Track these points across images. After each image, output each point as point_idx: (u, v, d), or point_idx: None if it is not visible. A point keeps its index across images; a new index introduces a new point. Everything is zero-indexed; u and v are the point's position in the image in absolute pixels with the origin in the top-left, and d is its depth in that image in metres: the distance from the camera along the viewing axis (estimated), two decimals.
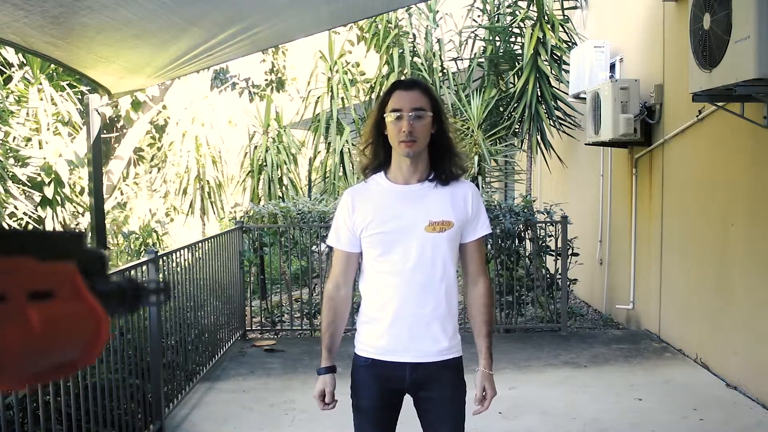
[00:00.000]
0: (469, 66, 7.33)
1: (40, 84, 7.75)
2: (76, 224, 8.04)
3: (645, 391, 4.01)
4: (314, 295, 5.82)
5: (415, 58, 7.49)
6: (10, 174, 7.21)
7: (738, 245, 4.02)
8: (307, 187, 9.40)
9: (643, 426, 3.51)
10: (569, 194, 7.00)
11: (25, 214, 7.39)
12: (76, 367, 0.45)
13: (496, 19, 7.22)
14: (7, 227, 0.44)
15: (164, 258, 3.75)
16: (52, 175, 7.57)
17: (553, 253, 5.50)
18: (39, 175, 7.54)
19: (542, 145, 6.73)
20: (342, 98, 7.78)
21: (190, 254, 4.21)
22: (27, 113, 7.90)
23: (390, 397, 1.91)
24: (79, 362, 0.45)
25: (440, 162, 1.89)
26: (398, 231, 1.83)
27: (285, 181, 8.07)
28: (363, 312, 1.93)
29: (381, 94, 1.94)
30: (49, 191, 7.55)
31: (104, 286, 0.47)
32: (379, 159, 1.91)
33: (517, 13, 6.98)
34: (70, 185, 7.92)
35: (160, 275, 3.61)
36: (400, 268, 1.83)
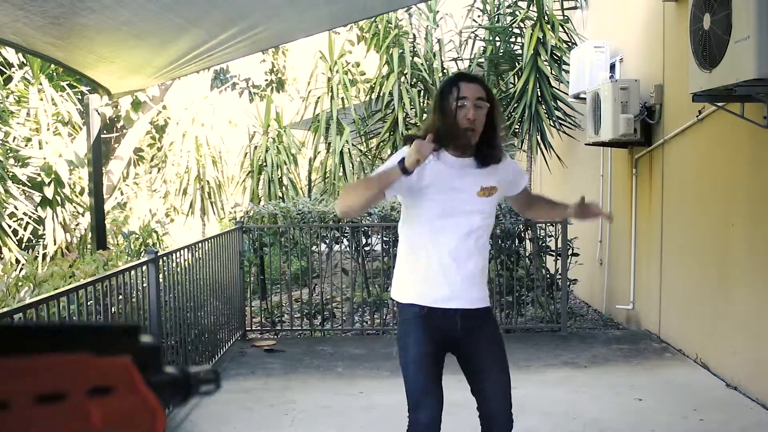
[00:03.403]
0: (469, 66, 7.33)
1: (40, 84, 7.75)
2: (76, 224, 8.03)
3: (645, 391, 4.01)
4: (314, 295, 5.82)
5: (415, 58, 7.49)
6: (10, 174, 7.21)
7: (738, 245, 4.02)
8: (307, 187, 9.39)
9: (643, 426, 3.51)
10: (569, 194, 6.98)
11: (25, 214, 7.39)
12: None
13: (496, 19, 7.22)
14: (63, 321, 0.44)
15: (164, 258, 3.75)
16: (52, 175, 7.57)
17: (553, 254, 5.51)
18: (39, 175, 7.54)
19: (542, 146, 6.73)
20: (342, 98, 7.78)
21: (190, 254, 4.21)
22: (27, 113, 7.90)
23: (442, 344, 2.16)
24: None
25: (484, 144, 2.14)
26: (457, 197, 2.11)
27: (285, 181, 8.07)
28: (416, 267, 2.14)
29: (441, 85, 2.25)
30: (49, 191, 7.55)
31: (158, 378, 0.47)
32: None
33: (517, 13, 6.97)
34: (70, 185, 7.92)
35: (161, 275, 3.61)
36: (457, 227, 2.10)
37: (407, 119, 7.25)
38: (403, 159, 1.94)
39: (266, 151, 8.01)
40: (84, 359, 0.40)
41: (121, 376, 0.43)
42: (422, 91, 7.44)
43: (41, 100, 7.77)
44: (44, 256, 7.46)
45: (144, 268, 3.43)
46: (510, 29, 7.00)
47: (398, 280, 2.19)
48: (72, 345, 0.40)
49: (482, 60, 7.15)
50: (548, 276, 5.63)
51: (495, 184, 2.17)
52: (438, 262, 2.10)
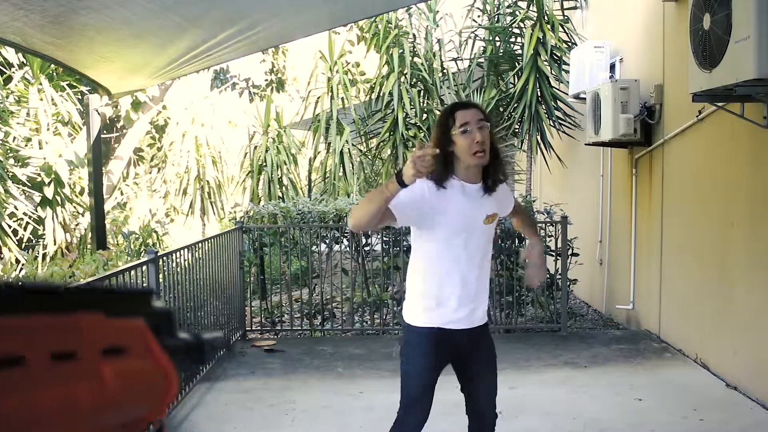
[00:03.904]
0: (469, 66, 7.33)
1: (40, 84, 7.75)
2: (76, 224, 8.03)
3: (645, 391, 4.01)
4: (314, 295, 5.81)
5: (415, 58, 7.48)
6: (10, 174, 7.21)
7: (738, 245, 4.01)
8: (307, 187, 9.39)
9: (643, 426, 3.51)
10: (569, 194, 7.00)
11: (25, 214, 7.39)
12: (144, 422, 0.45)
13: (496, 19, 7.22)
14: (77, 285, 0.44)
15: (164, 258, 3.75)
16: (52, 175, 7.57)
17: (553, 254, 5.50)
18: (39, 175, 7.54)
19: (542, 146, 6.73)
20: (342, 98, 7.78)
21: (190, 254, 4.20)
22: (27, 113, 7.89)
23: (446, 359, 2.29)
24: (147, 417, 0.45)
25: (491, 170, 2.23)
26: (465, 224, 2.19)
27: (285, 181, 8.07)
28: (426, 292, 2.22)
29: (439, 116, 2.33)
30: (49, 191, 7.55)
31: (172, 342, 0.47)
32: (439, 170, 2.16)
33: (517, 13, 6.97)
34: (70, 185, 7.92)
35: (161, 275, 3.61)
36: (465, 252, 2.19)
37: (407, 119, 7.25)
38: (401, 172, 1.91)
39: (266, 151, 8.01)
40: (98, 320, 0.40)
41: (134, 338, 0.43)
42: (422, 91, 7.44)
43: (41, 100, 7.77)
44: (44, 256, 7.46)
45: (144, 268, 3.43)
46: (510, 29, 6.99)
47: (409, 304, 2.27)
48: (86, 306, 0.40)
49: (482, 60, 7.15)
50: (548, 276, 5.63)
51: (496, 210, 2.28)
52: (448, 287, 2.20)
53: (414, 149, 1.91)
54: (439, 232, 2.18)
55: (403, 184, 1.92)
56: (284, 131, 8.24)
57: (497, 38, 7.13)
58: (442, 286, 2.20)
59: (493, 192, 2.24)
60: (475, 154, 2.11)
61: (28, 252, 7.06)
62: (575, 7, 6.97)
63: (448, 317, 2.20)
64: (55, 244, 7.54)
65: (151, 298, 0.46)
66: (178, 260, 4.00)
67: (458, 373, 2.34)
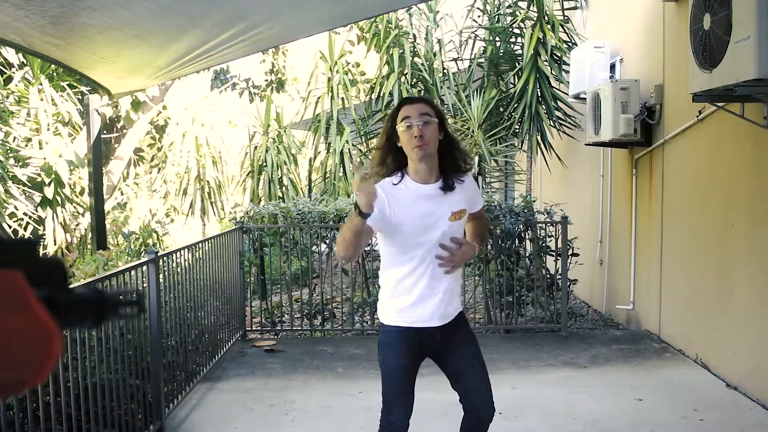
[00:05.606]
0: (470, 66, 7.33)
1: (40, 84, 7.75)
2: (76, 224, 8.04)
3: (645, 391, 4.01)
4: (314, 295, 5.82)
5: (416, 59, 7.49)
6: (11, 174, 7.21)
7: (738, 245, 4.02)
8: (307, 187, 9.40)
9: (643, 426, 3.51)
10: (569, 194, 6.99)
11: (25, 214, 7.39)
12: (24, 386, 0.40)
13: (496, 19, 7.22)
14: None
15: (164, 258, 3.75)
16: (52, 176, 7.57)
17: (553, 254, 5.50)
18: (39, 175, 7.55)
19: (542, 146, 6.73)
20: (342, 98, 7.78)
21: (190, 254, 4.20)
22: (27, 113, 7.90)
23: (420, 356, 2.28)
24: (27, 381, 0.39)
25: (448, 164, 2.20)
26: (429, 223, 2.16)
27: (285, 181, 8.08)
28: (396, 293, 2.22)
29: (390, 112, 2.31)
30: (49, 191, 7.56)
31: (63, 297, 0.42)
32: (392, 168, 2.21)
33: (517, 13, 6.98)
34: (70, 185, 7.92)
35: (161, 275, 3.60)
36: (432, 252, 2.17)
37: None
38: (356, 204, 1.96)
39: (266, 151, 8.01)
40: None
41: (6, 290, 0.37)
42: (422, 92, 7.44)
43: (41, 100, 7.78)
44: (44, 256, 7.45)
45: (144, 268, 3.43)
46: (510, 29, 7.00)
47: (382, 304, 2.29)
48: None
49: (482, 60, 7.15)
50: (548, 276, 5.63)
51: (464, 206, 2.24)
52: (417, 288, 2.19)
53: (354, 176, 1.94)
54: (402, 234, 2.17)
55: (364, 215, 1.96)
56: (284, 131, 8.25)
57: (497, 38, 7.14)
58: (410, 286, 2.20)
59: (453, 190, 2.19)
60: (415, 147, 2.11)
61: None
62: (575, 7, 6.97)
63: (419, 315, 2.20)
64: (55, 245, 7.54)
65: (35, 248, 0.41)
66: (178, 260, 4.00)
67: (444, 370, 2.34)
